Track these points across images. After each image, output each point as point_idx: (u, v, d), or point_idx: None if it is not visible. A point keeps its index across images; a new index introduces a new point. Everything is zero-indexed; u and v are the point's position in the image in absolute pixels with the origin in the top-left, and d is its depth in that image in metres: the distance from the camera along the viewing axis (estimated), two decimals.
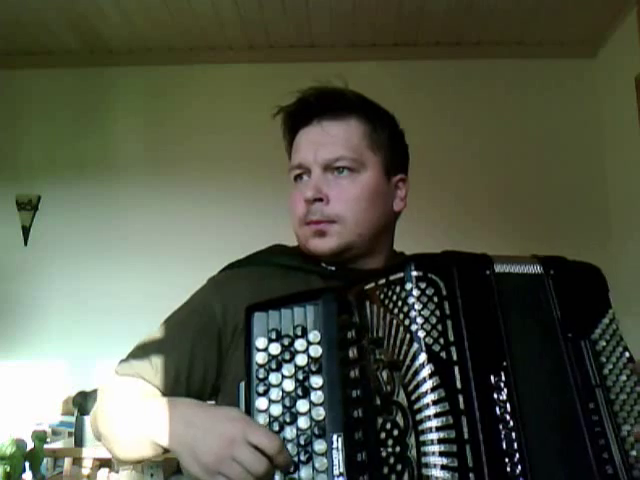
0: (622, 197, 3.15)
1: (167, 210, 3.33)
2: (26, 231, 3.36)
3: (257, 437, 0.76)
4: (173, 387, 0.98)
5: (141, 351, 1.01)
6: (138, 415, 0.90)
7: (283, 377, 0.83)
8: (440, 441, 0.70)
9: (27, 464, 2.51)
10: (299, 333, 0.85)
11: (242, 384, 0.84)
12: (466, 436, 0.71)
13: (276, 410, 0.81)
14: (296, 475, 0.78)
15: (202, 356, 1.00)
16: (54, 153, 3.42)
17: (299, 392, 0.82)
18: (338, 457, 0.77)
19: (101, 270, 3.26)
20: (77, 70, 3.47)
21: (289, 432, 0.80)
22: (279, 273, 1.04)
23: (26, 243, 3.35)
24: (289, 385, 0.82)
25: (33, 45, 3.37)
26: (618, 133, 3.15)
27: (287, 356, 0.84)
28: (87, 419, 2.58)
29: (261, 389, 0.83)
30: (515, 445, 0.73)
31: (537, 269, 0.87)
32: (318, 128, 1.04)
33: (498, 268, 0.83)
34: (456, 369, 0.73)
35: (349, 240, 1.01)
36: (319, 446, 0.79)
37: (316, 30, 3.24)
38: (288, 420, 0.81)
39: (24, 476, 2.52)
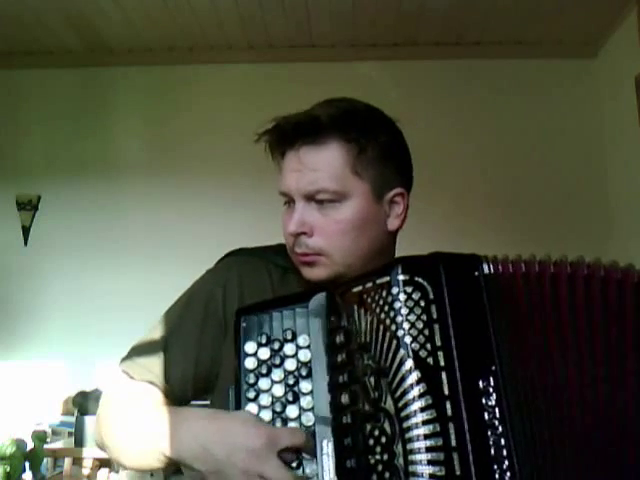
0: (623, 197, 3.14)
1: (167, 210, 3.33)
2: (26, 231, 3.36)
3: (284, 440, 0.77)
4: (180, 386, 0.97)
5: (144, 348, 1.00)
6: (146, 430, 0.88)
7: (273, 382, 0.83)
8: (427, 449, 0.70)
9: (27, 464, 2.51)
10: (288, 337, 0.84)
11: (232, 389, 0.84)
12: (453, 444, 0.70)
13: (266, 416, 0.81)
14: None
15: (208, 344, 0.99)
16: (54, 153, 3.42)
17: (289, 397, 0.81)
18: (328, 463, 0.77)
19: (101, 270, 3.26)
20: (77, 70, 3.47)
21: None
22: (276, 272, 1.04)
23: (26, 243, 3.35)
24: (279, 390, 0.82)
25: (33, 45, 3.38)
26: (618, 133, 3.15)
27: (277, 361, 0.84)
28: (87, 419, 2.59)
29: (251, 395, 0.82)
30: (504, 452, 0.71)
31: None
32: (297, 156, 0.99)
33: (487, 269, 0.80)
34: (443, 375, 0.73)
35: (338, 271, 0.98)
36: None
37: (316, 30, 3.24)
38: (279, 426, 0.80)
39: (24, 476, 2.52)
